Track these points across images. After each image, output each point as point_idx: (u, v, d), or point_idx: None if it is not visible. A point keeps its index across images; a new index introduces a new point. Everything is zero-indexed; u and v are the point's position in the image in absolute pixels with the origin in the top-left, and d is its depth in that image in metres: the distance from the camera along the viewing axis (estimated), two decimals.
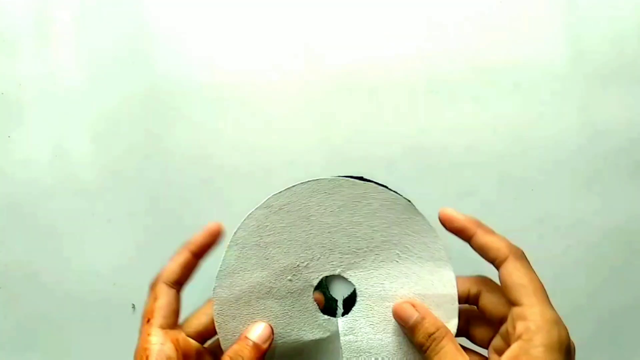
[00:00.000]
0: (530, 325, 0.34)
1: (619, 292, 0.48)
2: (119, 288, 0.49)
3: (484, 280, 0.39)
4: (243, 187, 0.49)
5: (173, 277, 0.38)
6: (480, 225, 0.38)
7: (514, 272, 0.36)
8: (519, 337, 0.34)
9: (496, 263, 0.37)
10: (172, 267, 0.39)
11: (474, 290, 0.38)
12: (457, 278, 0.38)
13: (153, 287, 0.38)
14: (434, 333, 0.36)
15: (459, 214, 0.38)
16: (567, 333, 0.34)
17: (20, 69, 0.51)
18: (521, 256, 0.37)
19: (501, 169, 0.49)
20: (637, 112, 0.49)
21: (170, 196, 0.49)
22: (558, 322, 0.34)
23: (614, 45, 0.50)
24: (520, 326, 0.34)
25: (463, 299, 0.38)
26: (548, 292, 0.38)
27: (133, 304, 0.48)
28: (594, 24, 0.50)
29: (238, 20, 0.51)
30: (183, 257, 0.39)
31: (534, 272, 0.36)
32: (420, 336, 0.37)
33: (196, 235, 0.39)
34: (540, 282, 0.36)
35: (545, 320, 0.34)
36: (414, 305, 0.38)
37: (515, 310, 0.35)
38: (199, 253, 0.39)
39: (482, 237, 0.37)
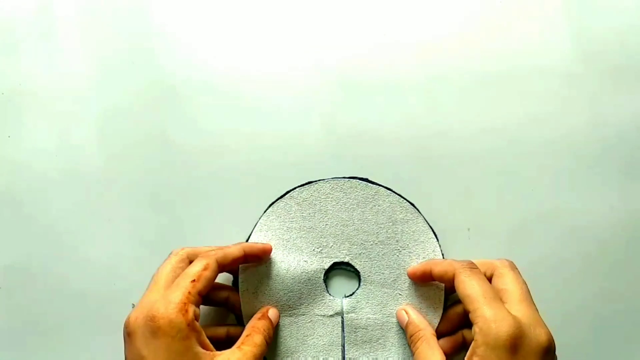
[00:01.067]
0: (475, 328, 0.38)
1: (620, 291, 0.47)
2: (119, 288, 0.48)
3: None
4: (244, 185, 0.49)
5: (223, 262, 0.41)
6: (433, 262, 0.45)
7: (459, 286, 0.40)
8: (472, 340, 0.38)
9: (451, 285, 0.42)
10: (228, 254, 0.42)
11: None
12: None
13: (205, 256, 0.41)
14: (413, 335, 0.44)
15: (417, 266, 0.45)
16: (511, 327, 0.37)
17: (20, 69, 0.50)
18: (465, 268, 0.41)
19: (501, 168, 0.49)
20: None
21: (171, 196, 0.49)
22: (498, 319, 0.37)
23: (619, 41, 0.50)
24: (473, 330, 0.38)
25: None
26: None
27: (133, 304, 0.47)
28: (600, 19, 0.50)
29: (242, 18, 0.51)
30: (238, 252, 0.43)
31: (480, 278, 0.40)
32: (407, 337, 0.44)
33: (255, 244, 0.45)
34: (486, 286, 0.39)
35: (484, 320, 0.37)
36: (406, 312, 0.45)
37: (469, 317, 0.39)
38: (249, 258, 0.44)
39: (435, 270, 0.43)
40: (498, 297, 0.39)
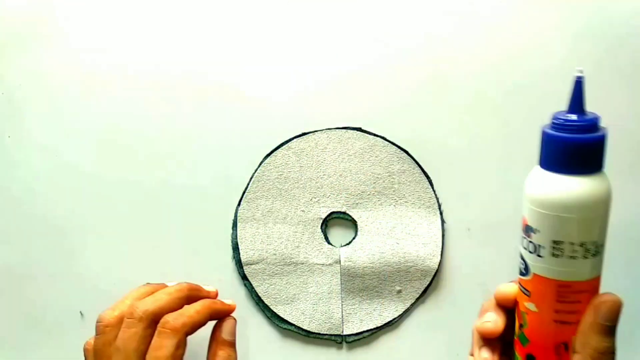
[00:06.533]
0: None
1: (620, 291, 0.42)
2: (119, 288, 0.46)
3: None
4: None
5: (192, 331, 0.42)
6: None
7: None
8: None
9: None
10: (195, 321, 0.42)
11: None
12: None
13: (174, 331, 0.40)
14: None
15: None
16: None
17: (20, 69, 0.49)
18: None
19: (502, 168, 0.48)
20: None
21: (170, 196, 0.49)
22: None
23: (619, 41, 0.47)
24: None
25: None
26: None
27: None
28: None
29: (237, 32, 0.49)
30: (204, 317, 0.42)
31: None
32: None
33: (220, 303, 0.44)
34: None
35: None
36: None
37: None
38: (215, 317, 0.44)
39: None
40: None
